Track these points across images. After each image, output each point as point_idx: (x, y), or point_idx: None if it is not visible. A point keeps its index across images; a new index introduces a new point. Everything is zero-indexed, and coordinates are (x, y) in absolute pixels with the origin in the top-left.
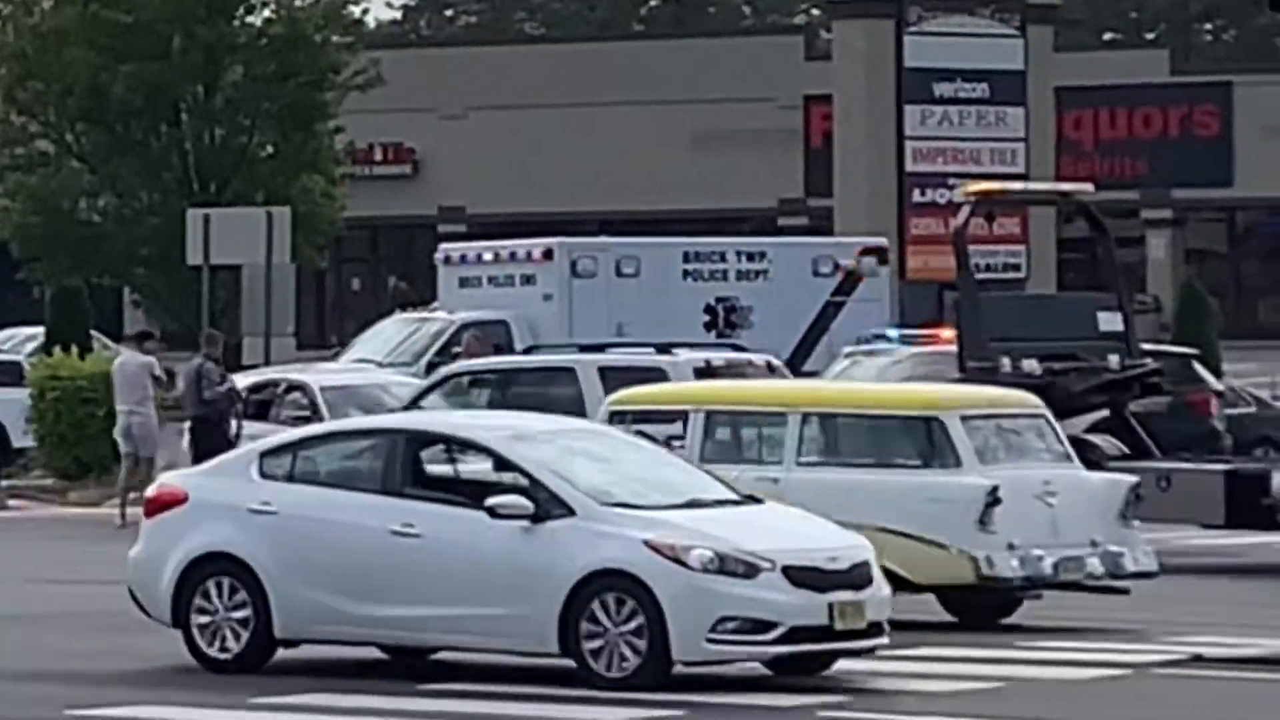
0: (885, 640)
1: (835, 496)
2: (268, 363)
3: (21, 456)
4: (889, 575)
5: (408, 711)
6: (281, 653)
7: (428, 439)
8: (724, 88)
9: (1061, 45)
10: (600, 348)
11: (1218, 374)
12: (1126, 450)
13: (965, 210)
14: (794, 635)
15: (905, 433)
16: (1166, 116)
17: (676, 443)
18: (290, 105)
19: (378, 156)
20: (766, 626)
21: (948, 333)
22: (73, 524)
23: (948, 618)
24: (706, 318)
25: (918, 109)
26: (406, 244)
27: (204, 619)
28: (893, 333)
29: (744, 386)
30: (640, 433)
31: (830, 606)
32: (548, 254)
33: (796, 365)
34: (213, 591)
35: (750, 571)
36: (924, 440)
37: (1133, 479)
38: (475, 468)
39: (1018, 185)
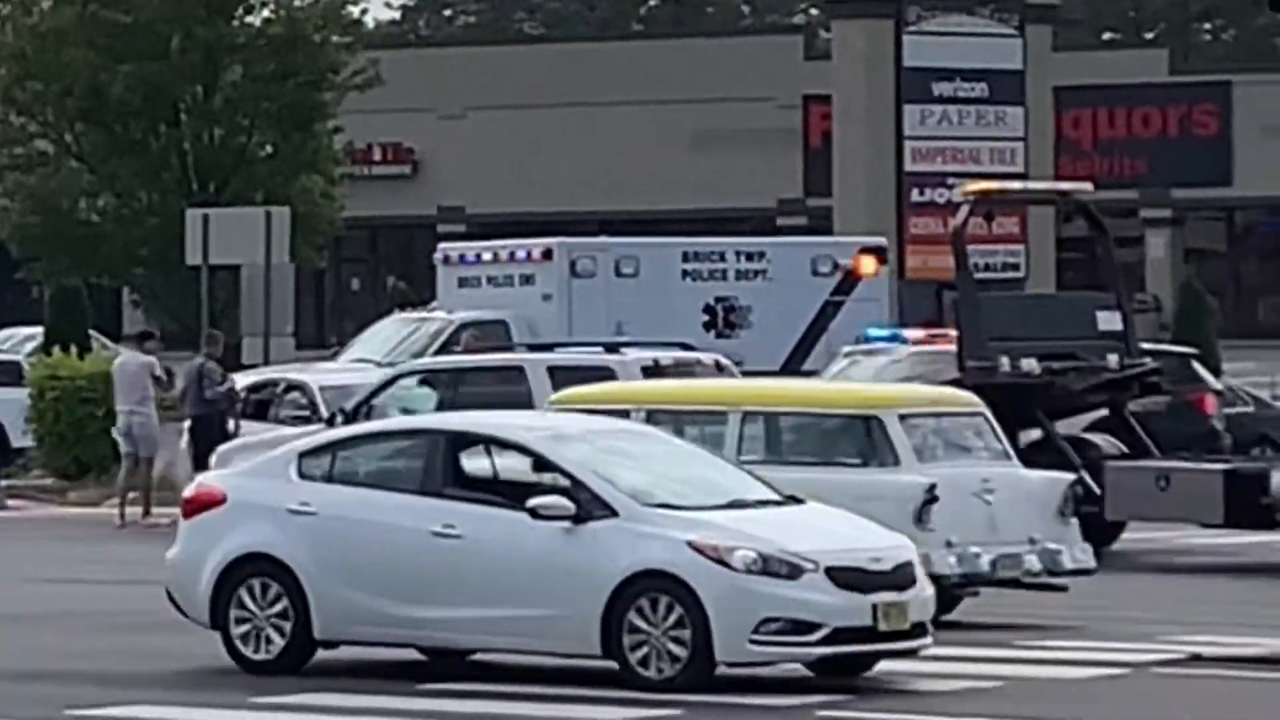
0: (929, 641)
1: None
2: (267, 362)
3: (21, 456)
4: None
5: (408, 711)
6: None
7: (468, 440)
8: (723, 87)
9: (1060, 45)
10: (549, 347)
11: (1217, 373)
12: (1126, 449)
13: (964, 210)
14: (838, 636)
15: (844, 431)
16: (1165, 116)
17: None
18: (289, 105)
19: (377, 156)
20: (810, 628)
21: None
22: (72, 524)
23: (947, 617)
24: (706, 317)
25: (917, 108)
26: (405, 244)
27: (243, 620)
28: (876, 331)
29: (685, 385)
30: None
31: (874, 607)
32: (547, 254)
33: (796, 365)
34: (253, 592)
35: (794, 572)
36: (863, 438)
37: (1070, 476)
38: (513, 466)
39: (1017, 185)
